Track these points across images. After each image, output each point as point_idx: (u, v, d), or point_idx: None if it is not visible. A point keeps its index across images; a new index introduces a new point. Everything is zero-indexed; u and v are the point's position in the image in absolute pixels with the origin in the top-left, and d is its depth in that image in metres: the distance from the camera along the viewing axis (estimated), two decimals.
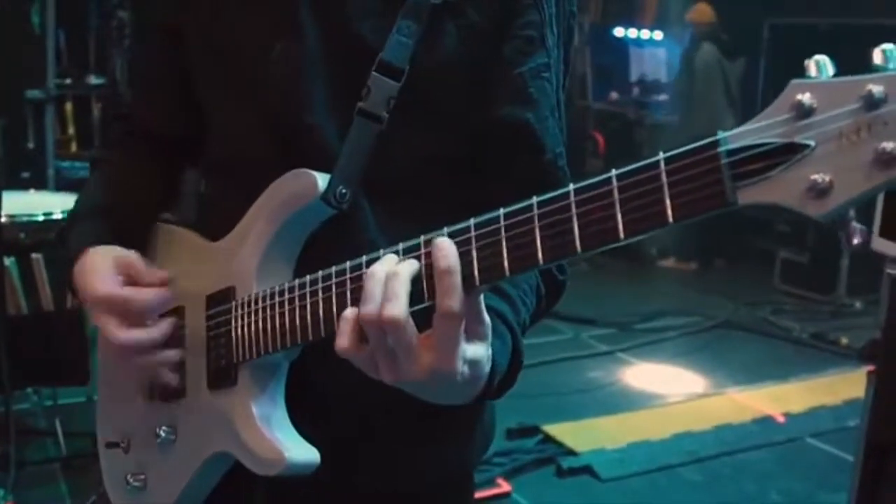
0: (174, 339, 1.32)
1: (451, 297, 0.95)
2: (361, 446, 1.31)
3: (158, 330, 1.28)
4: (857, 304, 7.02)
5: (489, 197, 1.00)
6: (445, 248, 0.96)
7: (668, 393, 5.32)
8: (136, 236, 1.41)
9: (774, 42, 8.02)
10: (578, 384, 5.37)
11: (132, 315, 1.27)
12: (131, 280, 1.30)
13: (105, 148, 1.56)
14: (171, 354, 1.30)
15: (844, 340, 6.12)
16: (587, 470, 4.28)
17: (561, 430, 4.60)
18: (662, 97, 9.19)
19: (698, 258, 8.33)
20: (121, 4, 6.20)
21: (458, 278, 0.95)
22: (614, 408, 5.06)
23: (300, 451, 1.19)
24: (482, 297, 1.00)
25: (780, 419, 4.97)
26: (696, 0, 8.43)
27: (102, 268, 1.30)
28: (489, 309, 1.03)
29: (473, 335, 1.00)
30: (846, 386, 5.18)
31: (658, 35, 9.61)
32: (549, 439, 4.54)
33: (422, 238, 1.01)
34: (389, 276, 0.99)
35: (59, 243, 1.41)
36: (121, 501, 1.43)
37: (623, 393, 5.34)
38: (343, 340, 1.01)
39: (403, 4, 1.20)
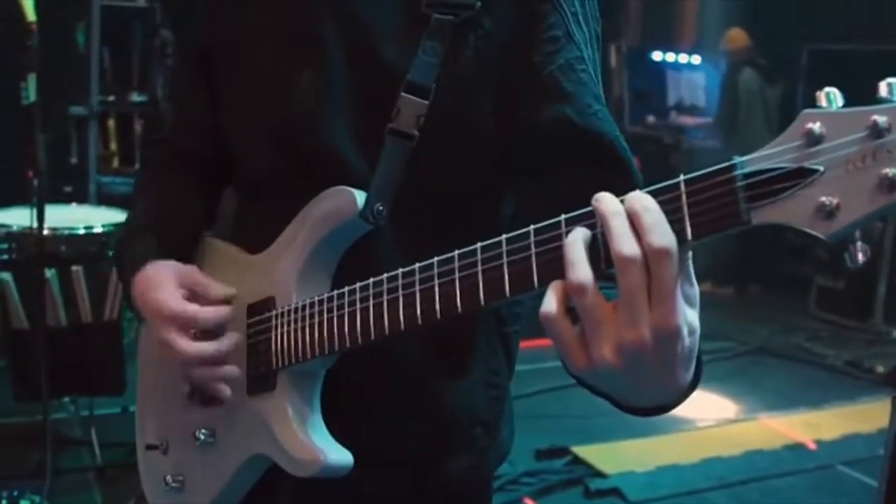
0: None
1: (658, 233, 0.86)
2: (383, 453, 1.34)
3: (225, 344, 1.31)
4: (895, 333, 6.93)
5: (554, 198, 0.98)
6: (635, 193, 0.90)
7: (700, 417, 5.29)
8: (184, 252, 1.45)
9: (813, 68, 8.00)
10: (610, 407, 5.31)
11: (198, 330, 1.31)
12: (195, 295, 1.34)
13: (146, 170, 1.60)
14: (232, 369, 1.33)
15: (880, 368, 6.06)
16: (615, 492, 4.27)
17: (590, 452, 4.60)
18: (700, 121, 9.17)
19: (734, 283, 8.28)
20: (163, 24, 6.32)
21: (662, 216, 0.87)
22: (644, 431, 5.04)
23: (335, 454, 1.24)
24: (690, 261, 0.91)
25: (812, 446, 4.94)
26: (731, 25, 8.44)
27: (166, 282, 1.34)
28: None
29: (686, 298, 0.91)
30: (880, 414, 5.08)
31: (696, 59, 9.60)
32: (577, 461, 4.54)
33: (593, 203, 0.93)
34: (639, 211, 0.88)
35: (115, 264, 1.42)
36: (159, 502, 1.47)
37: (654, 417, 5.31)
38: (551, 305, 0.91)
39: (426, 27, 1.24)
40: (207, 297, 1.34)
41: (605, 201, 0.90)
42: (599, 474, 4.42)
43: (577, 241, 0.90)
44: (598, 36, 1.33)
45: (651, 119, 9.37)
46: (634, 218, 0.88)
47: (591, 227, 0.92)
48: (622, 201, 0.90)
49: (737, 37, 8.28)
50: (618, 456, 4.64)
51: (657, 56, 9.61)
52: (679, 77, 9.67)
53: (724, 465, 4.64)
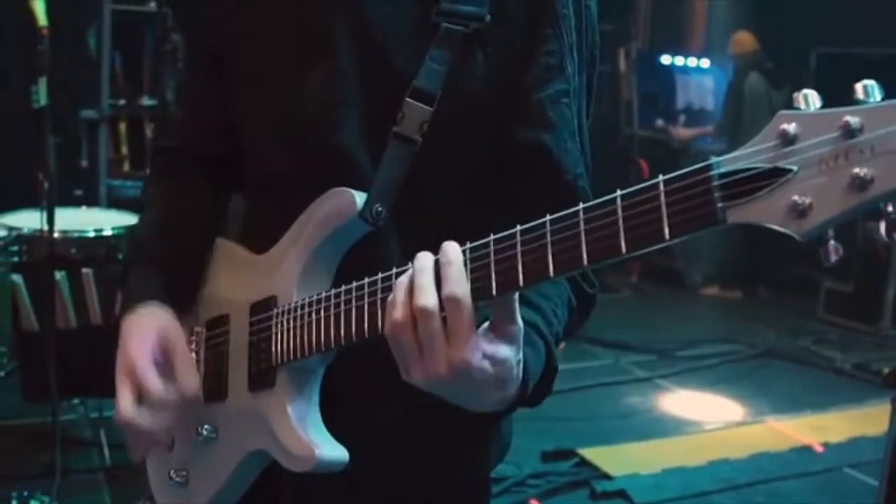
0: (212, 354, 1.40)
1: (454, 284, 1.03)
2: (382, 450, 1.37)
3: (149, 422, 1.31)
4: None
5: (514, 218, 1.05)
6: (447, 245, 1.06)
7: (706, 420, 5.30)
8: (191, 262, 1.48)
9: (822, 72, 7.98)
10: (616, 409, 5.37)
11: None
12: (165, 357, 1.35)
13: (154, 179, 1.61)
14: (152, 440, 1.36)
15: (887, 371, 6.02)
16: (621, 494, 4.27)
17: (596, 454, 4.61)
18: (708, 126, 9.15)
19: (742, 286, 8.28)
20: (174, 28, 6.35)
21: (459, 269, 1.04)
22: (651, 433, 5.05)
23: (330, 450, 1.27)
24: (516, 301, 1.06)
25: (819, 449, 4.94)
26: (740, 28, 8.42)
27: (145, 337, 1.35)
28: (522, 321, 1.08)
29: (502, 334, 1.06)
30: (887, 417, 5.10)
31: (705, 63, 9.58)
32: (584, 463, 4.54)
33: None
34: (443, 263, 1.05)
35: (118, 286, 1.46)
36: (165, 497, 1.50)
37: (660, 419, 5.33)
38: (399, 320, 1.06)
39: (436, 33, 1.26)
40: (174, 368, 1.35)
41: (420, 259, 1.07)
42: (605, 476, 4.42)
43: (426, 269, 1.05)
44: (595, 60, 1.37)
45: (660, 123, 9.35)
46: (441, 268, 1.04)
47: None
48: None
49: (744, 40, 8.26)
50: (624, 458, 4.65)
51: (666, 60, 9.58)
52: (688, 81, 9.64)
53: (731, 468, 4.64)
